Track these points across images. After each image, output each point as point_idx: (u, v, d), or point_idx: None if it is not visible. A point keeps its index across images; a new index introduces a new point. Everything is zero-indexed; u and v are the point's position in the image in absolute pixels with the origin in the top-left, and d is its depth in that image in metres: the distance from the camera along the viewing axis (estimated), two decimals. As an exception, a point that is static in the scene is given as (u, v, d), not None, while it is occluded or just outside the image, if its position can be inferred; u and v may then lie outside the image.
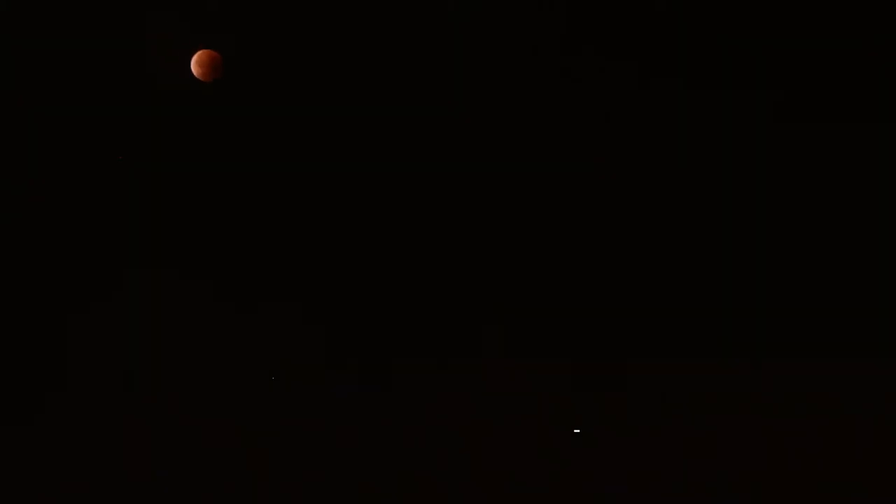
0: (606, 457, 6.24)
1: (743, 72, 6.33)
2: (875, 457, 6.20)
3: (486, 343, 6.37)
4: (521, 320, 6.37)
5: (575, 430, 6.26)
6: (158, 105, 6.32)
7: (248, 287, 6.39)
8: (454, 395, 6.30)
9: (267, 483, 6.22)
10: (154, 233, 6.35)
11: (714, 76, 6.34)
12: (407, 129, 6.38)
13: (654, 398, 6.29)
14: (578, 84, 6.37)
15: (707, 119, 6.35)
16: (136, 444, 6.23)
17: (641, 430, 6.26)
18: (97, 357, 6.29)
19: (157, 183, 6.36)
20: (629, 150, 6.39)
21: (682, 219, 6.39)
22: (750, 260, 6.36)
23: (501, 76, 6.37)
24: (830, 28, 6.32)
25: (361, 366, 6.35)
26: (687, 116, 6.36)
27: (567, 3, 6.34)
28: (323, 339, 6.38)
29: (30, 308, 6.30)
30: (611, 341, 6.34)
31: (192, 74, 6.18)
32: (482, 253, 6.39)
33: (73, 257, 6.32)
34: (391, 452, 6.26)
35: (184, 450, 6.22)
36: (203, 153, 6.38)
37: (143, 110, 6.32)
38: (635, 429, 6.27)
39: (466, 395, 6.31)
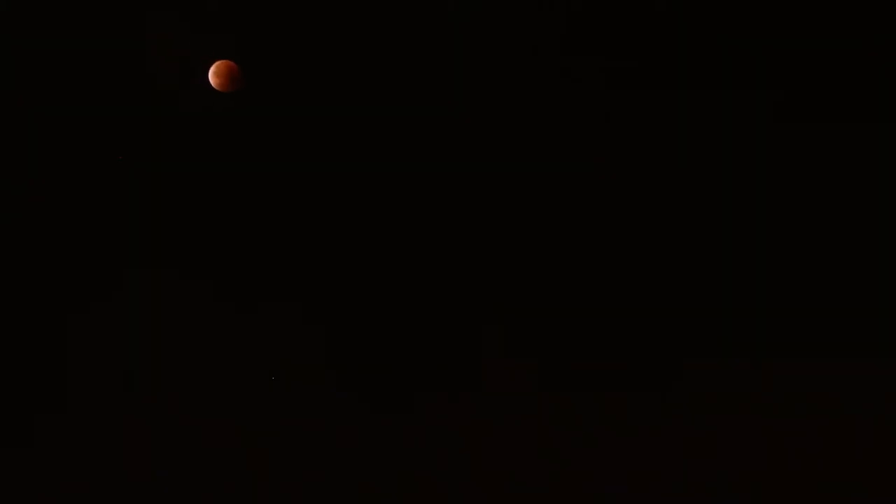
0: (606, 457, 6.25)
1: (743, 72, 6.34)
2: (875, 457, 6.20)
3: (486, 343, 6.37)
4: (522, 320, 6.37)
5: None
6: (159, 106, 6.32)
7: (248, 287, 6.39)
8: (454, 395, 6.31)
9: (267, 483, 6.22)
10: (154, 233, 6.35)
11: (714, 76, 6.35)
12: (405, 129, 6.39)
13: (654, 398, 6.29)
14: (578, 84, 6.37)
15: (707, 119, 6.36)
16: (136, 444, 6.23)
17: (641, 430, 6.26)
18: (97, 357, 6.29)
19: (158, 183, 6.36)
20: (629, 150, 6.39)
21: (682, 218, 6.39)
22: (750, 260, 6.36)
23: (501, 76, 6.37)
24: (830, 28, 6.33)
25: (362, 365, 6.35)
26: (687, 116, 6.36)
27: (567, 3, 6.34)
28: (323, 339, 6.38)
29: (29, 308, 6.30)
30: (611, 341, 6.35)
31: (208, 81, 6.18)
32: (482, 253, 6.39)
33: (73, 257, 6.32)
34: (391, 452, 6.26)
35: (184, 450, 6.22)
36: (203, 154, 6.38)
37: (145, 110, 6.32)
38: (635, 429, 6.27)
39: (466, 395, 6.31)
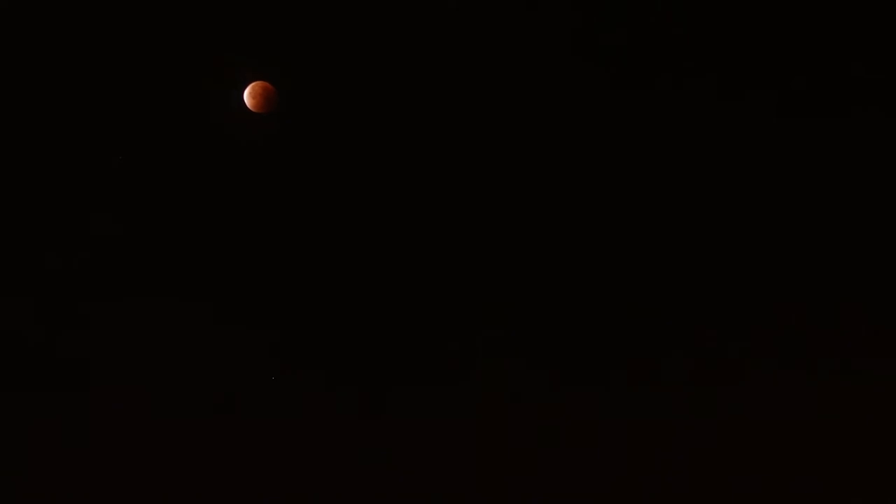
0: (606, 456, 6.27)
1: (744, 71, 6.39)
2: (875, 456, 6.23)
3: (486, 344, 6.39)
4: (520, 321, 6.40)
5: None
6: (197, 127, 6.35)
7: (248, 289, 6.41)
8: (454, 397, 6.33)
9: (267, 483, 6.23)
10: (158, 238, 6.37)
11: (714, 76, 6.39)
12: (405, 131, 6.42)
13: (652, 397, 6.32)
14: (579, 84, 6.41)
15: (707, 119, 6.40)
16: (135, 444, 6.24)
17: (640, 430, 6.28)
18: (96, 357, 6.30)
19: (191, 199, 6.39)
20: (629, 150, 6.43)
21: (681, 218, 6.43)
22: (749, 260, 6.40)
23: (502, 77, 6.41)
24: (830, 27, 6.38)
25: (362, 366, 6.37)
26: (686, 116, 6.40)
27: (568, 4, 6.39)
28: (324, 341, 6.40)
29: (30, 309, 6.32)
30: (610, 341, 6.38)
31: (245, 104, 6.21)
32: (482, 254, 6.42)
33: (75, 260, 6.34)
34: (390, 452, 6.27)
35: (182, 450, 6.23)
36: (241, 173, 6.41)
37: (182, 131, 6.35)
38: (634, 428, 6.29)
39: (466, 395, 6.33)
